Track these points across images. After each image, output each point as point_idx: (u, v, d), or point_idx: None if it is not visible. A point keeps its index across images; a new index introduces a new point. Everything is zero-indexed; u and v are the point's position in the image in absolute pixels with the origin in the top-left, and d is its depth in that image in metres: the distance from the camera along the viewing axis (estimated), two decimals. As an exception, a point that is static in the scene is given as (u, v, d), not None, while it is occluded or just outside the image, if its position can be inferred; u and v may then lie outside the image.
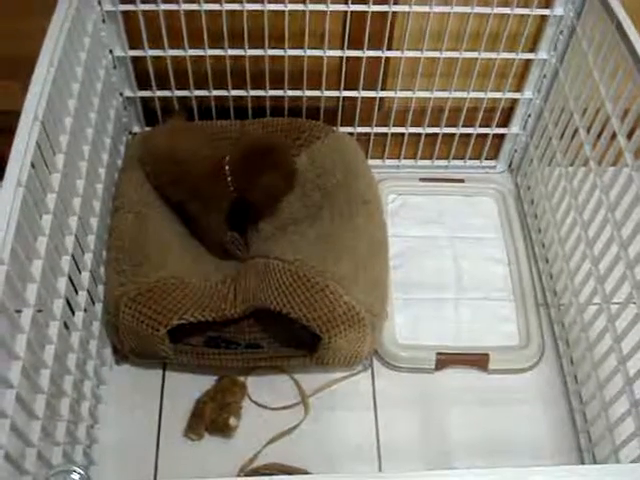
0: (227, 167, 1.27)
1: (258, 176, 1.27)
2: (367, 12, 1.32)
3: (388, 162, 1.65)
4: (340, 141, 1.46)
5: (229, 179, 1.27)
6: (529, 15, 1.35)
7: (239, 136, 1.45)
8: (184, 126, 1.45)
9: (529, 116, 1.55)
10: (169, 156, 1.34)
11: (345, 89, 1.46)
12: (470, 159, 1.65)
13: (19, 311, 0.90)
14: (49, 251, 0.98)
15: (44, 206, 0.99)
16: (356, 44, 1.38)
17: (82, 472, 0.87)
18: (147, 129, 1.52)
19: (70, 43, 1.11)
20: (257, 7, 1.29)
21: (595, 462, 1.20)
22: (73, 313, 1.11)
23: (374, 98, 1.49)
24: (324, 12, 1.31)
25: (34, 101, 0.97)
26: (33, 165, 0.93)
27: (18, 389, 0.85)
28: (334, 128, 1.50)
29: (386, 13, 1.33)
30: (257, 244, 1.36)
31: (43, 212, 0.99)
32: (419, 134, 1.58)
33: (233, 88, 1.44)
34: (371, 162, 1.55)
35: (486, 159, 1.66)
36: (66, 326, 1.07)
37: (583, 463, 1.23)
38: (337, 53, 1.39)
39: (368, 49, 1.38)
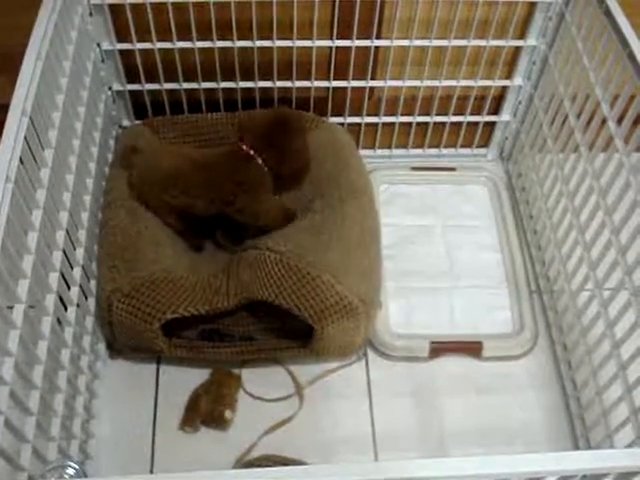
0: (252, 151, 1.25)
1: (287, 147, 1.27)
2: (355, 1, 1.31)
3: (379, 152, 1.65)
4: (331, 132, 1.46)
5: (259, 161, 1.25)
6: (518, 2, 1.34)
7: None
8: (159, 145, 1.44)
9: (519, 103, 1.55)
10: (193, 165, 1.29)
11: (335, 79, 1.46)
12: (461, 147, 1.65)
13: (11, 307, 0.90)
14: (40, 246, 0.98)
15: (34, 201, 0.98)
16: (345, 34, 1.38)
17: (77, 467, 0.88)
18: (137, 122, 1.51)
19: (57, 37, 1.11)
20: (245, -2, 1.29)
21: (589, 447, 1.21)
22: (66, 308, 1.11)
23: (364, 88, 1.49)
24: (312, 2, 1.31)
25: (22, 96, 0.96)
26: (22, 160, 0.93)
27: (11, 385, 0.85)
28: (324, 119, 1.49)
29: (375, 2, 1.33)
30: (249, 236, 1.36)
31: (33, 207, 0.98)
32: (410, 123, 1.58)
33: (222, 80, 1.43)
34: (362, 152, 1.55)
35: (477, 147, 1.66)
36: (59, 321, 1.07)
37: (578, 448, 1.23)
38: (326, 43, 1.39)
39: (357, 39, 1.38)
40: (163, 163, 1.30)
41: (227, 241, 1.36)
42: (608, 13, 1.15)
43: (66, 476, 0.86)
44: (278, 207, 1.34)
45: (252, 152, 1.25)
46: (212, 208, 1.29)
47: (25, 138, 0.94)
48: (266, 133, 1.27)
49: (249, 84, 1.45)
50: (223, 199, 1.27)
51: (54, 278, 1.04)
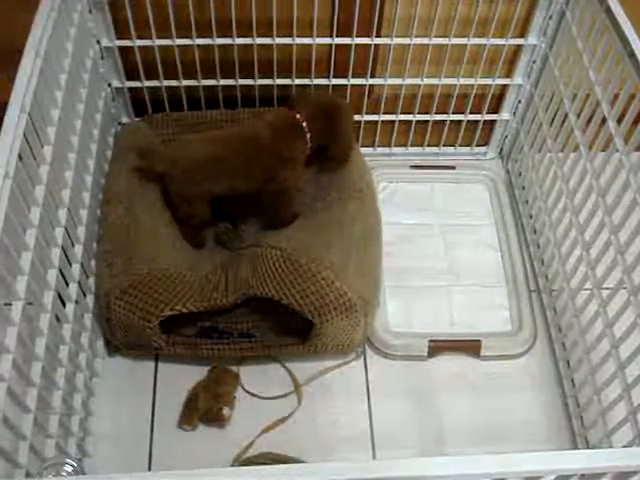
0: (304, 123, 1.27)
1: (338, 130, 1.31)
2: (355, -1, 1.31)
3: (379, 150, 1.65)
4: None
5: (308, 135, 1.28)
6: (518, 0, 1.34)
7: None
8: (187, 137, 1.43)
9: (519, 102, 1.55)
10: (231, 147, 1.27)
11: (334, 77, 1.46)
12: (461, 146, 1.65)
13: (9, 304, 0.90)
14: (38, 243, 0.98)
15: (32, 198, 0.98)
16: (345, 31, 1.37)
17: (75, 464, 0.88)
18: (136, 119, 1.51)
19: (57, 34, 1.10)
20: (245, -5, 1.29)
21: (588, 446, 1.21)
22: (64, 305, 1.11)
23: (364, 85, 1.48)
24: (312, -1, 1.31)
25: (20, 93, 0.96)
26: (20, 157, 0.92)
27: (9, 382, 0.85)
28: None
29: (375, 0, 1.32)
30: (249, 235, 1.36)
31: (32, 204, 0.98)
32: (409, 121, 1.58)
33: (222, 77, 1.43)
34: (362, 150, 1.54)
35: (477, 146, 1.66)
36: (57, 318, 1.07)
37: (576, 447, 1.23)
38: (326, 41, 1.39)
39: (357, 37, 1.38)
40: (199, 153, 1.28)
41: (228, 238, 1.35)
42: (609, 12, 1.14)
43: (64, 473, 0.86)
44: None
45: (304, 123, 1.27)
46: (254, 185, 1.28)
47: (24, 135, 0.94)
48: (322, 110, 1.30)
49: (249, 81, 1.44)
50: (265, 176, 1.27)
51: (52, 275, 1.04)
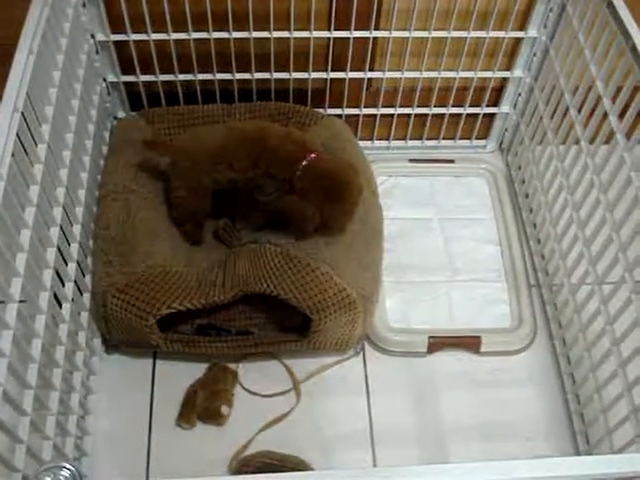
0: (308, 160, 1.21)
1: (323, 200, 1.21)
2: (353, -9, 1.29)
3: (377, 143, 1.63)
4: (330, 127, 1.44)
5: (298, 173, 1.21)
6: (518, -7, 1.33)
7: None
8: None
9: (519, 95, 1.53)
10: (241, 137, 1.26)
11: (332, 70, 1.44)
12: (460, 139, 1.64)
13: (2, 302, 0.89)
14: (33, 244, 0.96)
15: (27, 198, 0.97)
16: (343, 24, 1.36)
17: (72, 468, 0.86)
18: (132, 114, 1.49)
19: (50, 29, 1.09)
20: (241, -12, 1.27)
21: (588, 444, 1.20)
22: (60, 305, 1.09)
23: (362, 79, 1.47)
24: (309, -8, 1.29)
25: (13, 92, 0.94)
26: (14, 157, 0.91)
27: (4, 386, 0.84)
28: (322, 112, 1.48)
29: (373, -8, 1.31)
30: (248, 232, 1.35)
31: (26, 204, 0.97)
32: (408, 114, 1.56)
33: (218, 71, 1.41)
34: (360, 143, 1.53)
35: (476, 139, 1.64)
36: (53, 318, 1.05)
37: (576, 444, 1.23)
38: (324, 34, 1.37)
39: (355, 29, 1.36)
40: (208, 139, 1.26)
41: (227, 234, 1.34)
42: (610, 5, 1.13)
43: (61, 478, 0.85)
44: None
45: (307, 161, 1.21)
46: (253, 183, 1.25)
47: (17, 134, 0.92)
48: (329, 180, 1.22)
49: (245, 75, 1.43)
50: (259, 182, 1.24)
51: (48, 275, 1.03)
